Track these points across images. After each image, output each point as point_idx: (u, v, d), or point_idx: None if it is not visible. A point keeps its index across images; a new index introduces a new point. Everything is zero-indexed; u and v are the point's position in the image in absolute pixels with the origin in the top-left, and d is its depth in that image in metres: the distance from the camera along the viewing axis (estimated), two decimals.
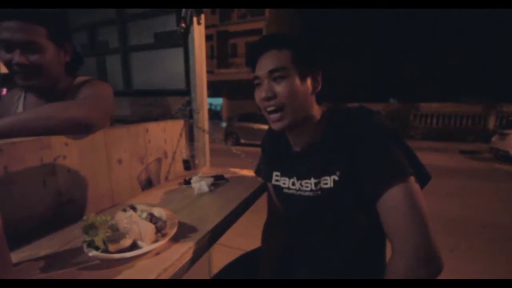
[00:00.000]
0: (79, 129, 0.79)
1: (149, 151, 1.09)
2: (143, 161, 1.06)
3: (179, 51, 1.39)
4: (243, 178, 1.14)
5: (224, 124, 12.47)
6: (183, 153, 1.12)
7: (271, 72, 0.68)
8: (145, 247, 0.57)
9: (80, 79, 0.96)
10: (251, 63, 0.73)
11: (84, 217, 0.59)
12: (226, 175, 1.12)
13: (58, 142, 0.75)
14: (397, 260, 0.56)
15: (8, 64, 0.80)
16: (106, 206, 0.89)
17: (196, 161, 1.27)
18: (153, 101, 1.50)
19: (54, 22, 0.84)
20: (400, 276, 0.55)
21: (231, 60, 16.24)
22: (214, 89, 16.54)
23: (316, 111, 0.74)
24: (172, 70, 1.43)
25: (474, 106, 11.52)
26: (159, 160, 1.14)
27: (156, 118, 1.42)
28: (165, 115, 1.40)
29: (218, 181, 1.02)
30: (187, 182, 1.02)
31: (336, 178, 0.67)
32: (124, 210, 0.67)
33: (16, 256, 0.58)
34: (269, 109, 0.70)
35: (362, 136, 0.63)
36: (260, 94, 0.70)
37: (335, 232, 0.72)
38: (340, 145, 0.67)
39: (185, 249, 0.60)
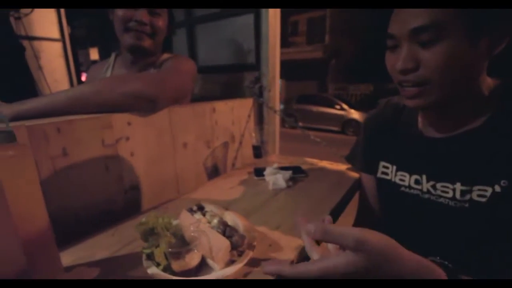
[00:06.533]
0: (141, 104, 0.68)
1: (216, 134, 0.94)
2: (210, 145, 0.92)
3: (249, 19, 1.19)
4: (325, 171, 0.92)
5: (281, 106, 12.22)
6: (253, 137, 0.95)
7: (416, 31, 0.45)
8: (218, 272, 0.41)
9: (165, 55, 0.95)
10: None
11: (143, 219, 0.46)
12: (302, 166, 0.92)
13: (120, 121, 0.65)
14: None
15: (124, 20, 0.83)
16: (171, 196, 0.78)
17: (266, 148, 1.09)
18: (218, 77, 1.36)
19: None
20: None
21: (291, 39, 15.53)
22: None
23: (484, 83, 0.50)
24: (240, 41, 1.25)
25: None
26: (226, 145, 0.99)
27: (220, 97, 1.28)
28: (232, 93, 1.25)
29: (296, 174, 0.83)
30: (259, 173, 0.85)
31: (499, 189, 0.46)
32: (191, 211, 0.53)
33: (70, 256, 0.49)
34: (405, 84, 0.50)
35: None
36: (393, 61, 0.51)
37: (475, 256, 0.51)
38: None
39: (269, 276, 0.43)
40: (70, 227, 0.57)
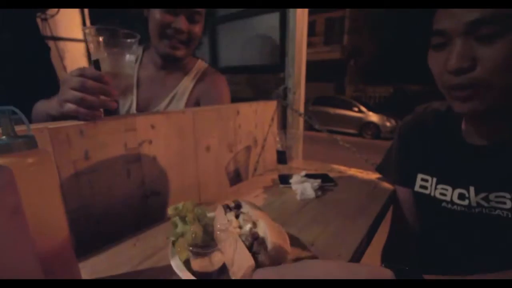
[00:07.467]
0: None
1: (239, 137, 0.90)
2: (232, 149, 0.88)
3: (274, 18, 1.15)
4: (355, 180, 0.85)
5: None
6: (278, 142, 0.90)
7: (474, 24, 0.41)
8: None
9: (201, 64, 0.97)
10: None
11: (179, 205, 0.43)
12: (329, 174, 0.86)
13: (143, 123, 0.62)
14: None
15: (161, 25, 0.78)
16: None
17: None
18: (240, 79, 1.32)
19: None
20: None
21: (308, 39, 15.36)
22: None
23: None
24: (264, 41, 1.21)
25: None
26: (248, 149, 0.95)
27: (243, 98, 1.24)
28: (255, 95, 1.21)
29: (324, 183, 0.77)
30: (284, 181, 0.80)
31: None
32: (227, 207, 0.48)
33: (90, 269, 0.46)
34: (456, 87, 0.45)
35: None
36: (442, 60, 0.45)
37: None
38: None
39: None
40: (91, 234, 0.55)
